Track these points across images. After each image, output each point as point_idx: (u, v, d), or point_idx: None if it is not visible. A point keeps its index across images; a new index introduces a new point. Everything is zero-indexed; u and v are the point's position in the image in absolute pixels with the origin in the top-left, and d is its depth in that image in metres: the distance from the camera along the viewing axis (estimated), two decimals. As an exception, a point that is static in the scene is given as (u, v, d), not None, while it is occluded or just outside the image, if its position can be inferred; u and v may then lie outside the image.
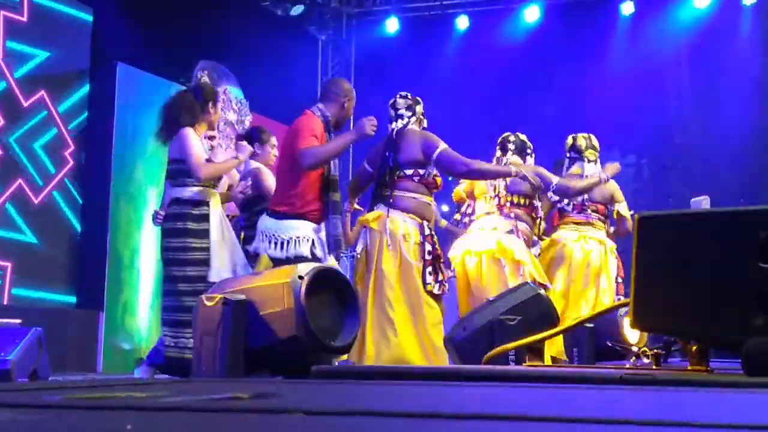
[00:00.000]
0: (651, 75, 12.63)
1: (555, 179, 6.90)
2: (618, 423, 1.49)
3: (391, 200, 5.98)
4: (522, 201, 6.86)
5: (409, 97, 6.35)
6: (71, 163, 9.65)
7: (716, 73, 12.41)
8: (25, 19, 9.25)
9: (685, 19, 12.38)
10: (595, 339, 5.61)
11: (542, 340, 4.43)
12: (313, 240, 5.62)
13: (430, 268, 5.89)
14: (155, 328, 8.31)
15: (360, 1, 13.68)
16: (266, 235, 5.64)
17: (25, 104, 9.19)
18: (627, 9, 12.40)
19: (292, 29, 12.95)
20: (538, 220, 7.04)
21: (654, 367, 3.39)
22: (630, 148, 13.04)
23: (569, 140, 7.55)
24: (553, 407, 1.92)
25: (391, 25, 13.41)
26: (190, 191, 5.75)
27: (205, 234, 5.67)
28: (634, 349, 4.88)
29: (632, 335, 5.57)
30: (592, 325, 5.49)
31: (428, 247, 5.93)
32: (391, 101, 6.30)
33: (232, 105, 11.64)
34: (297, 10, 12.62)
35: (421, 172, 6.08)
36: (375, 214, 6.01)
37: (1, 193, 8.90)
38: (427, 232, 5.99)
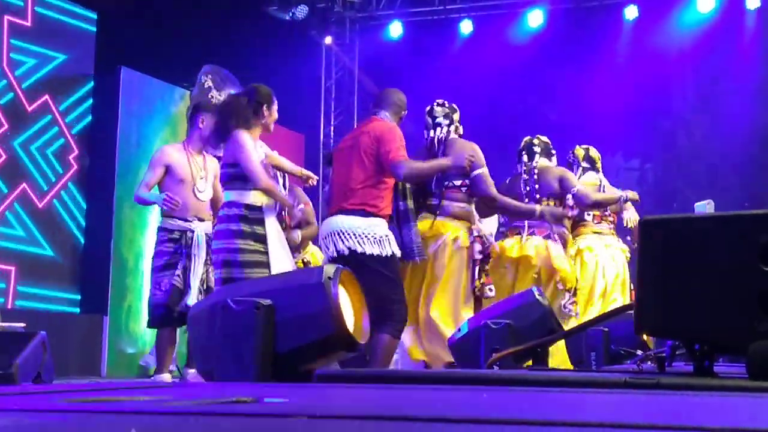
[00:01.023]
0: (655, 79, 12.62)
1: (577, 185, 6.96)
2: (622, 427, 1.48)
3: (438, 209, 6.14)
4: (553, 203, 6.93)
5: (446, 105, 6.45)
6: (75, 167, 9.66)
7: (720, 77, 12.41)
8: (29, 23, 9.27)
9: (689, 24, 12.37)
10: (609, 343, 5.59)
11: (545, 345, 4.43)
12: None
13: (478, 270, 6.12)
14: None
15: (364, 5, 13.68)
16: (355, 234, 5.58)
17: (30, 109, 9.21)
18: (631, 13, 12.40)
19: (295, 34, 12.96)
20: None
21: (658, 371, 3.38)
22: (634, 153, 13.03)
23: (581, 151, 7.60)
24: (558, 412, 1.92)
25: (395, 30, 13.41)
26: (247, 195, 5.76)
27: (263, 238, 5.71)
28: (639, 352, 4.88)
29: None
30: (607, 329, 5.48)
31: (478, 247, 6.15)
32: (428, 108, 6.34)
33: (235, 109, 11.66)
34: (302, 11, 12.62)
35: (467, 182, 6.24)
36: (425, 222, 6.12)
37: (5, 197, 8.91)
38: (475, 233, 6.19)
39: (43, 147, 9.32)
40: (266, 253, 5.63)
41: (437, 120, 6.34)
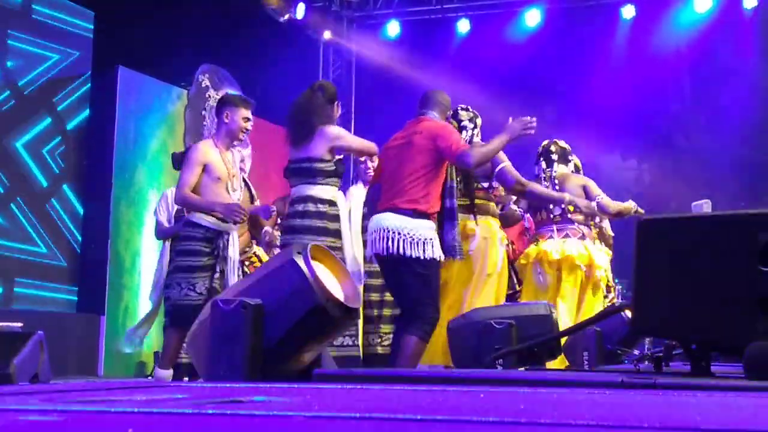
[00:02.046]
0: (652, 79, 12.63)
1: (600, 193, 7.02)
2: (619, 428, 1.48)
3: (475, 209, 6.27)
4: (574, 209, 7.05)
5: (470, 109, 6.55)
6: (72, 166, 9.66)
7: (717, 77, 12.42)
8: (26, 22, 9.26)
9: (685, 24, 12.38)
10: (602, 342, 5.61)
11: (545, 343, 4.44)
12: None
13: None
14: (157, 332, 8.29)
15: (361, 4, 13.68)
16: (400, 234, 5.59)
17: (27, 108, 9.20)
18: (628, 13, 12.40)
19: (293, 33, 12.95)
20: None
21: (655, 371, 3.38)
22: (631, 153, 13.05)
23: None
24: (554, 411, 1.92)
25: (392, 29, 13.41)
26: (324, 190, 5.84)
27: (338, 234, 5.81)
28: (636, 352, 4.89)
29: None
30: (599, 329, 5.50)
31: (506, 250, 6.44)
32: (451, 112, 6.34)
33: (233, 109, 11.65)
34: (299, 13, 12.62)
35: (494, 184, 6.37)
36: (467, 222, 6.23)
37: (2, 197, 8.90)
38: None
39: (40, 146, 9.31)
40: (341, 249, 5.80)
41: (463, 123, 6.42)
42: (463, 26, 13.08)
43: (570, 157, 7.27)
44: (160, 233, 7.19)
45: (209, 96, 11.32)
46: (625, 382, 2.74)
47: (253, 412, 1.76)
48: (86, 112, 9.87)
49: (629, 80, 12.45)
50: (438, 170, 5.75)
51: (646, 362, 4.00)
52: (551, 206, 6.96)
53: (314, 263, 3.84)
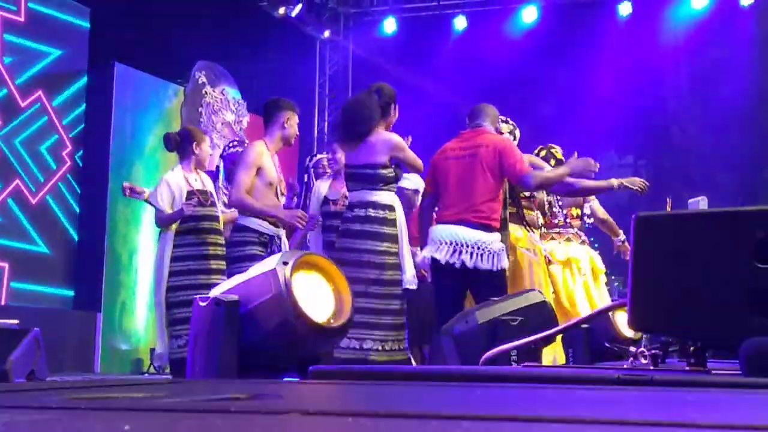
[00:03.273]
0: (649, 75, 12.63)
1: (591, 199, 7.40)
2: (615, 423, 1.49)
3: (524, 220, 6.50)
4: (577, 212, 7.28)
5: (509, 121, 6.67)
6: (69, 163, 9.65)
7: (714, 73, 12.43)
8: (22, 19, 9.25)
9: (682, 20, 12.38)
10: (590, 340, 5.62)
11: (541, 341, 4.43)
12: None
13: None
14: (153, 329, 8.30)
15: (358, 1, 13.68)
16: (477, 247, 5.76)
17: (23, 104, 9.19)
18: (625, 9, 12.41)
19: (289, 29, 12.95)
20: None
21: (652, 367, 3.38)
22: (627, 149, 13.07)
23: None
24: (550, 408, 1.92)
25: (389, 26, 13.41)
26: (385, 196, 5.84)
27: (396, 239, 5.79)
28: (632, 349, 4.89)
29: (629, 330, 5.70)
30: (587, 326, 5.50)
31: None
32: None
33: (229, 105, 11.66)
34: (295, 10, 12.62)
35: (535, 194, 6.73)
36: (521, 233, 6.42)
37: (-2, 194, 8.90)
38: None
39: (36, 143, 9.30)
40: (397, 254, 5.79)
41: (503, 135, 6.48)
42: (460, 23, 13.09)
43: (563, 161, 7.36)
44: (163, 221, 6.75)
45: (206, 92, 11.32)
46: (622, 378, 2.74)
47: (250, 409, 1.76)
48: (82, 109, 9.87)
49: (626, 76, 12.45)
50: (502, 185, 5.96)
51: (643, 359, 4.00)
52: (555, 210, 7.09)
53: (302, 276, 3.79)
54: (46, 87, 9.45)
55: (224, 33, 11.45)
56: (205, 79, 11.25)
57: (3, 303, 8.75)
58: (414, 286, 5.84)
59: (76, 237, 9.69)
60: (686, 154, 12.68)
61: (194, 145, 6.63)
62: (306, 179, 7.53)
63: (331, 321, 3.95)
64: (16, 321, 6.51)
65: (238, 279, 4.19)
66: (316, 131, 13.58)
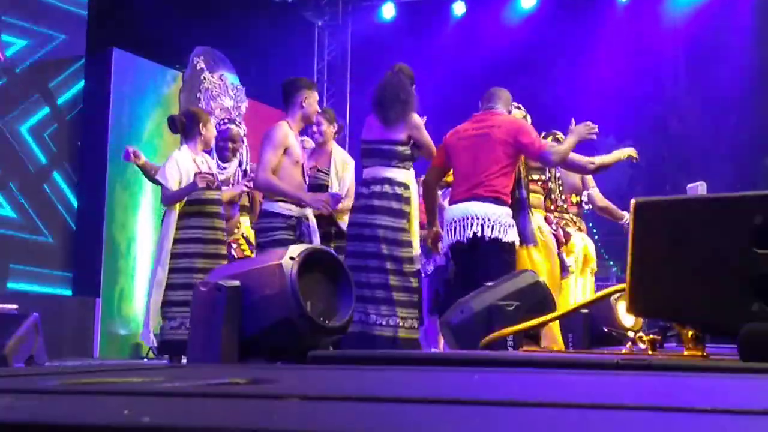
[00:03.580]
0: (647, 62, 12.63)
1: (594, 185, 7.62)
2: (614, 408, 1.49)
3: (532, 202, 6.54)
4: (576, 199, 7.38)
5: (522, 108, 6.75)
6: (67, 148, 9.63)
7: (713, 60, 12.42)
8: (19, 4, 9.22)
9: (682, 7, 12.36)
10: (590, 325, 5.62)
11: (539, 326, 4.44)
12: None
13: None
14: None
15: (357, -14, 13.67)
16: (489, 219, 5.81)
17: (21, 90, 9.17)
18: (624, -5, 12.39)
19: (288, 15, 12.92)
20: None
21: (650, 352, 3.39)
22: (626, 136, 13.03)
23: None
24: (549, 392, 1.93)
25: (388, 11, 13.39)
26: (401, 173, 5.90)
27: (410, 218, 5.92)
28: (630, 334, 4.89)
29: (628, 319, 5.72)
30: (587, 311, 5.50)
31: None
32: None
33: (228, 91, 11.62)
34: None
35: (544, 177, 6.82)
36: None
37: (-4, 180, 8.89)
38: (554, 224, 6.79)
39: (34, 129, 9.28)
40: (409, 231, 5.91)
41: None
42: (459, 8, 13.06)
43: None
44: (170, 198, 6.60)
45: (204, 78, 11.29)
46: (621, 363, 2.75)
47: (249, 393, 1.76)
48: (80, 94, 9.84)
49: (624, 63, 12.44)
50: (515, 164, 6.03)
51: (641, 344, 4.01)
52: (554, 196, 7.11)
53: (307, 272, 3.78)
54: (43, 72, 9.42)
55: (223, 18, 11.42)
56: (203, 65, 11.21)
57: (2, 289, 8.75)
58: (418, 266, 5.92)
59: (74, 223, 9.68)
60: (685, 140, 12.68)
61: (200, 126, 6.66)
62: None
63: (333, 320, 3.95)
64: (15, 306, 6.52)
65: (241, 265, 4.19)
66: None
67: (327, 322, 3.89)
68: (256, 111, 11.14)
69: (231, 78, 11.60)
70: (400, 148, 5.93)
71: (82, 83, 9.85)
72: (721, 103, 12.17)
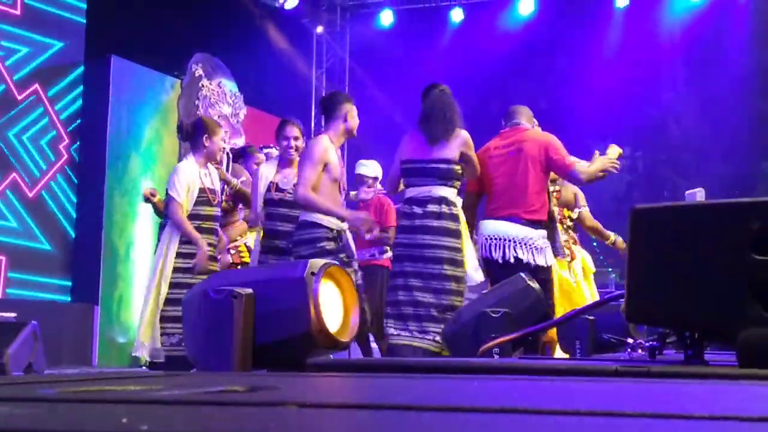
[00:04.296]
0: (645, 68, 12.64)
1: (585, 205, 7.57)
2: (613, 415, 1.49)
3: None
4: (568, 214, 7.45)
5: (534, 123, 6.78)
6: (65, 156, 9.64)
7: (710, 65, 12.43)
8: (18, 12, 9.23)
9: (679, 12, 12.38)
10: (595, 332, 5.61)
11: (537, 333, 4.44)
12: None
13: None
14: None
15: (355, -7, 13.68)
16: (526, 244, 5.95)
17: (19, 97, 9.18)
18: (621, 1, 12.40)
19: (286, 22, 12.93)
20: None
21: (649, 359, 3.39)
22: (624, 141, 13.03)
23: None
24: (548, 399, 1.93)
25: (386, 18, 13.40)
26: (452, 192, 5.92)
27: (462, 237, 5.89)
28: (629, 341, 4.89)
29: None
30: (592, 318, 5.50)
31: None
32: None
33: (226, 98, 11.64)
34: (291, 2, 12.60)
35: (558, 187, 7.09)
36: None
37: (-5, 187, 8.89)
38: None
39: (33, 136, 9.29)
40: (461, 249, 5.88)
41: None
42: (457, 15, 13.08)
43: None
44: (177, 223, 6.42)
45: (202, 85, 11.30)
46: (620, 370, 2.75)
47: (247, 401, 1.76)
48: (79, 102, 9.85)
49: (623, 68, 12.45)
50: (547, 179, 6.17)
51: (640, 351, 4.01)
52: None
53: (324, 286, 3.78)
54: (41, 79, 9.42)
55: (221, 25, 11.43)
56: (201, 72, 11.22)
57: (1, 296, 8.74)
58: (472, 282, 5.98)
59: (73, 230, 9.68)
60: (683, 146, 12.69)
61: (205, 138, 6.48)
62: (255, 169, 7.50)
63: (345, 335, 3.95)
64: (13, 314, 6.51)
65: (250, 274, 4.18)
66: (313, 124, 13.57)
67: (341, 337, 3.90)
68: (254, 118, 11.16)
69: (229, 85, 11.61)
70: (454, 167, 5.94)
71: (80, 90, 9.85)
72: (719, 108, 12.18)
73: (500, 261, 5.90)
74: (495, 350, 4.44)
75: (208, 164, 6.59)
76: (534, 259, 5.89)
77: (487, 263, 5.98)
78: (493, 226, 6.01)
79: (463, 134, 5.98)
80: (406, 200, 6.01)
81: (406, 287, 5.81)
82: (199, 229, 6.37)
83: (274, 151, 7.29)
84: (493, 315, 4.79)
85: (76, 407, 1.67)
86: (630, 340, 4.60)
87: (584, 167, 6.16)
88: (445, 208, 5.85)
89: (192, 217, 6.37)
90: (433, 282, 5.79)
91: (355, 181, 8.25)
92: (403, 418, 1.47)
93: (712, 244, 2.85)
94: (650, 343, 3.48)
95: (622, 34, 12.64)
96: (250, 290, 3.68)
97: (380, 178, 8.18)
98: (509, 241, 5.91)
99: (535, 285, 5.20)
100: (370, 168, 8.26)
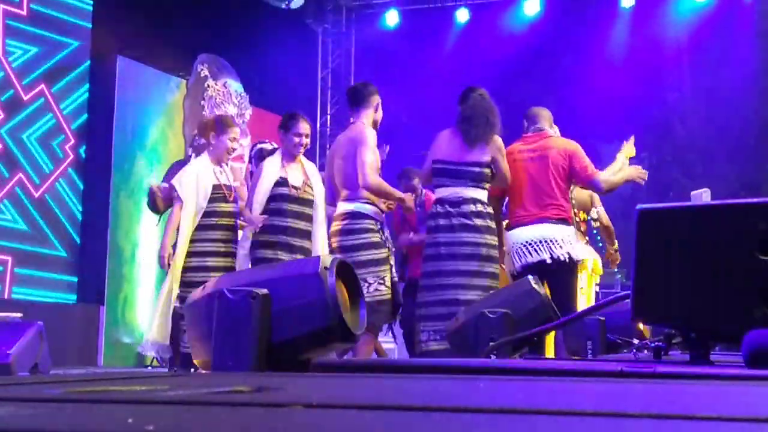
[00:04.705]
0: (651, 68, 12.62)
1: (598, 207, 7.62)
2: (618, 416, 1.49)
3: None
4: (584, 216, 7.53)
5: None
6: (71, 156, 9.65)
7: (716, 66, 12.41)
8: (24, 12, 9.25)
9: (685, 12, 12.36)
10: (605, 332, 5.60)
11: (542, 333, 4.43)
12: None
13: None
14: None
15: (360, -6, 13.68)
16: (565, 242, 6.10)
17: (25, 98, 9.19)
18: (627, 1, 12.39)
19: (291, 22, 12.93)
20: None
21: (655, 360, 3.38)
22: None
23: None
24: (553, 400, 1.93)
25: (391, 18, 13.40)
26: (485, 194, 6.03)
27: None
28: (635, 341, 4.88)
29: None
30: (602, 318, 5.49)
31: None
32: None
33: (232, 98, 11.65)
34: (296, 3, 12.60)
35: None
36: None
37: (1, 187, 8.90)
38: None
39: (39, 136, 9.30)
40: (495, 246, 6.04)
41: None
42: (462, 16, 13.08)
43: None
44: (178, 226, 6.43)
45: (208, 86, 11.32)
46: (625, 371, 2.74)
47: (253, 401, 1.76)
48: (85, 102, 9.86)
49: (628, 69, 12.44)
50: (569, 186, 6.35)
51: (646, 351, 4.00)
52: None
53: (337, 281, 3.79)
54: (48, 80, 9.44)
55: (226, 26, 11.43)
56: (207, 72, 11.24)
57: (6, 297, 8.75)
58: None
59: (79, 230, 9.69)
60: (689, 147, 12.67)
61: (211, 135, 6.49)
62: (250, 168, 7.44)
63: (356, 329, 3.95)
64: (19, 314, 6.52)
65: (261, 273, 4.17)
66: (318, 125, 13.57)
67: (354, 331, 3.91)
68: (260, 118, 11.17)
69: (235, 85, 11.62)
70: (486, 170, 6.05)
71: (87, 90, 9.87)
72: (725, 108, 12.16)
73: (540, 263, 6.01)
74: (493, 353, 4.44)
75: (224, 162, 6.56)
76: (570, 254, 6.07)
77: (526, 269, 5.99)
78: (524, 232, 6.13)
79: (499, 141, 6.11)
80: (438, 200, 6.09)
81: (444, 287, 5.91)
82: (216, 225, 6.37)
83: (268, 146, 7.23)
84: (491, 315, 4.78)
85: (82, 407, 1.67)
86: (635, 341, 4.59)
87: (607, 176, 6.28)
88: (481, 207, 5.98)
89: (209, 214, 6.36)
90: (475, 279, 5.90)
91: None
92: (409, 419, 1.47)
93: (718, 245, 2.84)
94: (656, 343, 3.47)
95: (627, 34, 12.63)
96: (266, 290, 3.68)
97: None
98: (544, 242, 6.06)
99: (540, 289, 5.18)
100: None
